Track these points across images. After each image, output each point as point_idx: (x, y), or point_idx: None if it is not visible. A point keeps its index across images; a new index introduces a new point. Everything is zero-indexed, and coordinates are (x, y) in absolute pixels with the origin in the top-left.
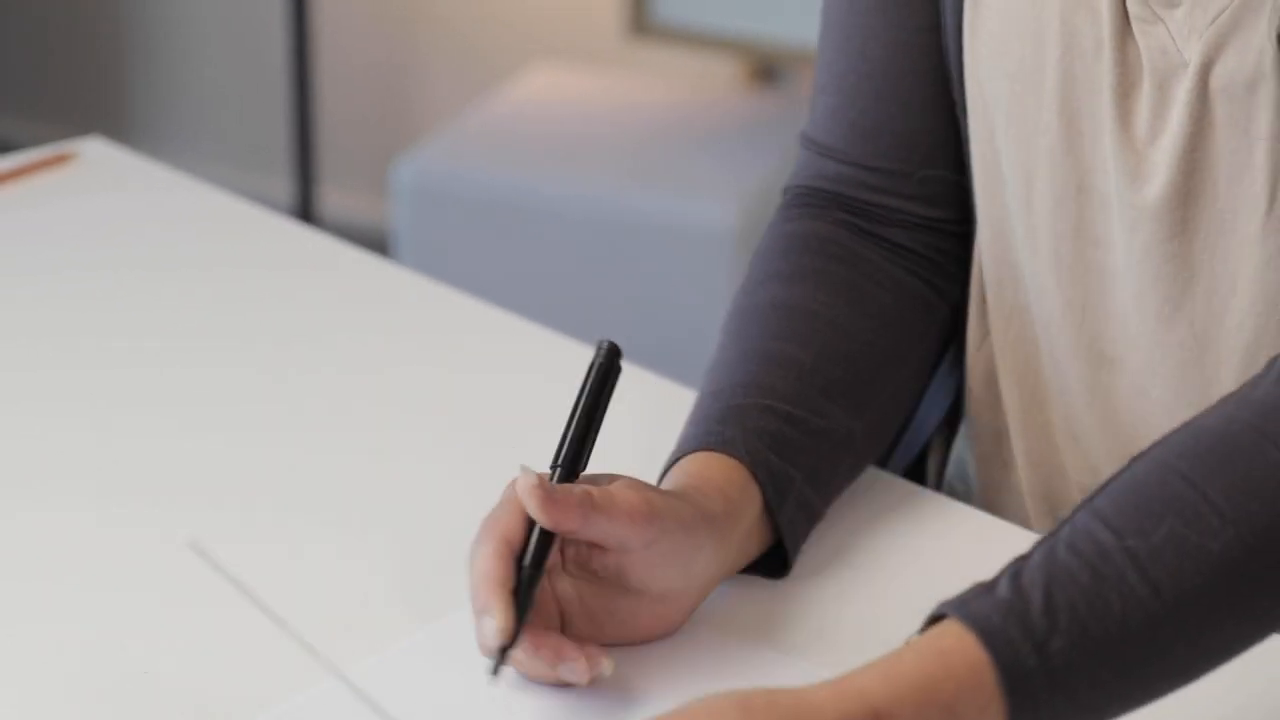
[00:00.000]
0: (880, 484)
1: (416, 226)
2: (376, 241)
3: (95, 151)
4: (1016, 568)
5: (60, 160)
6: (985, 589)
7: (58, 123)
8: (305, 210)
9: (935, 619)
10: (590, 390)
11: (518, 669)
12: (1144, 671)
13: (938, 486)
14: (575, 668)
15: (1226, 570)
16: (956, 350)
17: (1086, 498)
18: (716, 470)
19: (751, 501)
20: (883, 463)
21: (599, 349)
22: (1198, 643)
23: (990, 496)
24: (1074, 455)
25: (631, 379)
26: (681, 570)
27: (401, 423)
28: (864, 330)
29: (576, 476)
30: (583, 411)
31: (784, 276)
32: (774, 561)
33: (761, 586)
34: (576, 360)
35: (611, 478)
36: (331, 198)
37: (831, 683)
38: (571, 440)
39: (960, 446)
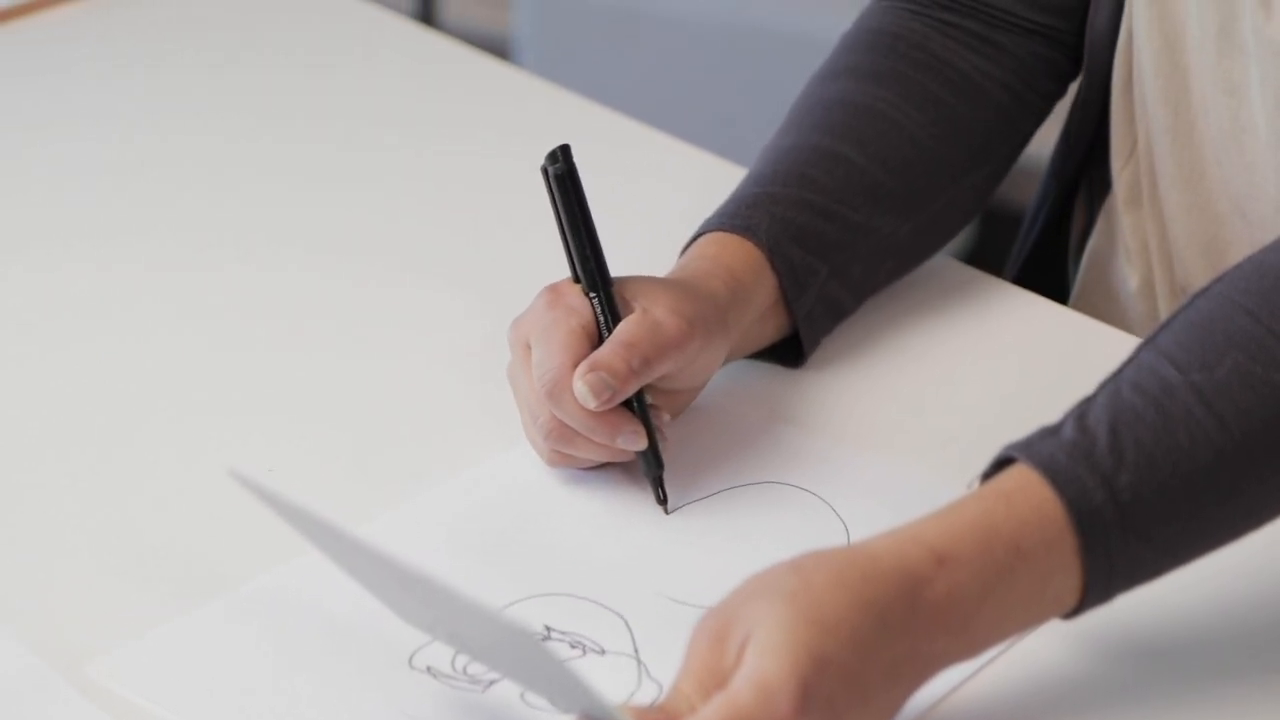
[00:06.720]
0: (949, 271)
1: (539, 33)
2: (498, 48)
3: None
4: (1081, 409)
5: None
6: (1049, 432)
7: None
8: (427, 13)
9: (998, 466)
10: (565, 202)
11: (568, 457)
12: (1215, 509)
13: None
14: (633, 436)
15: None
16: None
17: (1149, 335)
18: (732, 254)
19: (764, 289)
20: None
21: (551, 158)
22: (1268, 480)
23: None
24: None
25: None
26: (705, 368)
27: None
28: (930, 138)
29: (611, 289)
30: (579, 224)
31: (859, 73)
32: (793, 350)
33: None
34: (703, 168)
35: (634, 285)
36: (453, 2)
37: (887, 532)
38: (586, 258)
39: (1093, 249)
